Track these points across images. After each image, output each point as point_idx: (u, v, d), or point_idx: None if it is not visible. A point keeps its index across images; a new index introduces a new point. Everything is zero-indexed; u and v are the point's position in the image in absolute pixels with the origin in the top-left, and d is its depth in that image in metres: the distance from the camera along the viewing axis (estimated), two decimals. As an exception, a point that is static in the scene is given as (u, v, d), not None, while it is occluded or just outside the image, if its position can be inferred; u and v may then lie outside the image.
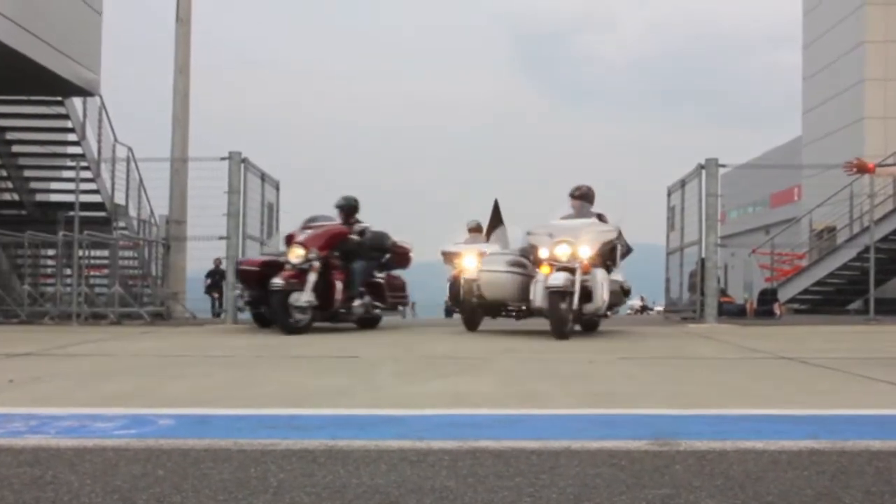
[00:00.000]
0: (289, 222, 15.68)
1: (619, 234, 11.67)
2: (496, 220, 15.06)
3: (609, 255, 11.48)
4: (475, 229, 18.20)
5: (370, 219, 13.73)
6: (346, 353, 8.96)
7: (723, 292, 17.58)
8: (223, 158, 15.15)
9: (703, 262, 15.17)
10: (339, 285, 12.54)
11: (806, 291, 22.95)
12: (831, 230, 24.70)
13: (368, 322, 13.73)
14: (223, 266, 21.19)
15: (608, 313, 11.98)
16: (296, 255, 12.16)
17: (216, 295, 23.56)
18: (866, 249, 18.15)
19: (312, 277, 12.10)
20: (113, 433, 4.24)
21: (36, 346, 9.62)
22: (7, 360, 8.19)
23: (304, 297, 11.94)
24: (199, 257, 19.98)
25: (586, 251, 10.98)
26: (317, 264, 12.18)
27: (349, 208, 13.37)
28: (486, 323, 13.36)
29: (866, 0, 26.52)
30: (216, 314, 21.80)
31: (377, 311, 13.78)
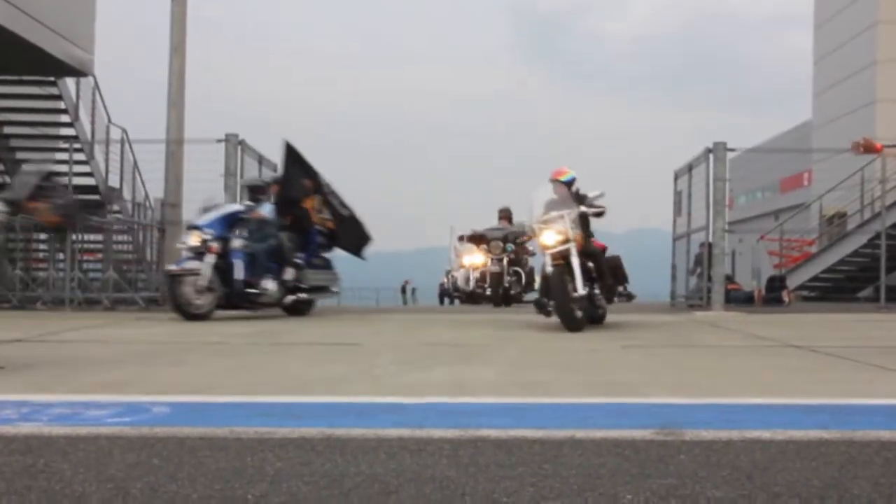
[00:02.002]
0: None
1: None
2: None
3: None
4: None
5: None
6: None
7: (730, 279, 17.53)
8: (219, 140, 15.13)
9: (709, 247, 15.14)
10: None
11: (815, 279, 22.86)
12: (842, 216, 24.63)
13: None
14: None
15: None
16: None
17: None
18: (877, 236, 18.11)
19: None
20: (106, 421, 4.25)
21: (27, 333, 9.63)
22: (-2, 346, 8.20)
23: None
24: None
25: None
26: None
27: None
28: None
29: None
30: None
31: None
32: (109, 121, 19.49)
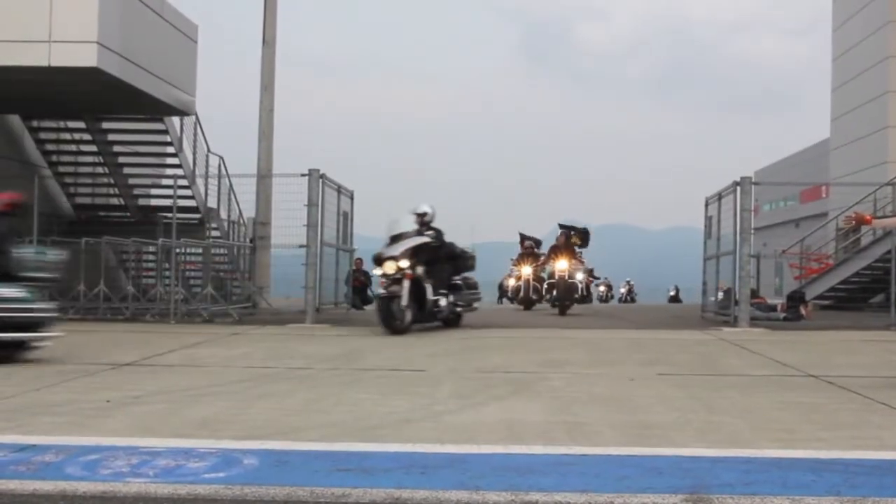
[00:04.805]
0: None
1: None
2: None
3: None
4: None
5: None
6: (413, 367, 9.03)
7: (754, 293, 17.31)
8: (303, 175, 15.22)
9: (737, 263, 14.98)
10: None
11: (832, 288, 22.62)
12: (856, 230, 24.26)
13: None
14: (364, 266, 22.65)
15: None
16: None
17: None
18: (888, 251, 17.91)
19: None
20: (203, 477, 4.31)
21: (136, 354, 9.77)
22: (110, 373, 8.35)
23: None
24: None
25: None
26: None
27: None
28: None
29: (891, 18, 26.03)
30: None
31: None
32: (208, 150, 19.79)
